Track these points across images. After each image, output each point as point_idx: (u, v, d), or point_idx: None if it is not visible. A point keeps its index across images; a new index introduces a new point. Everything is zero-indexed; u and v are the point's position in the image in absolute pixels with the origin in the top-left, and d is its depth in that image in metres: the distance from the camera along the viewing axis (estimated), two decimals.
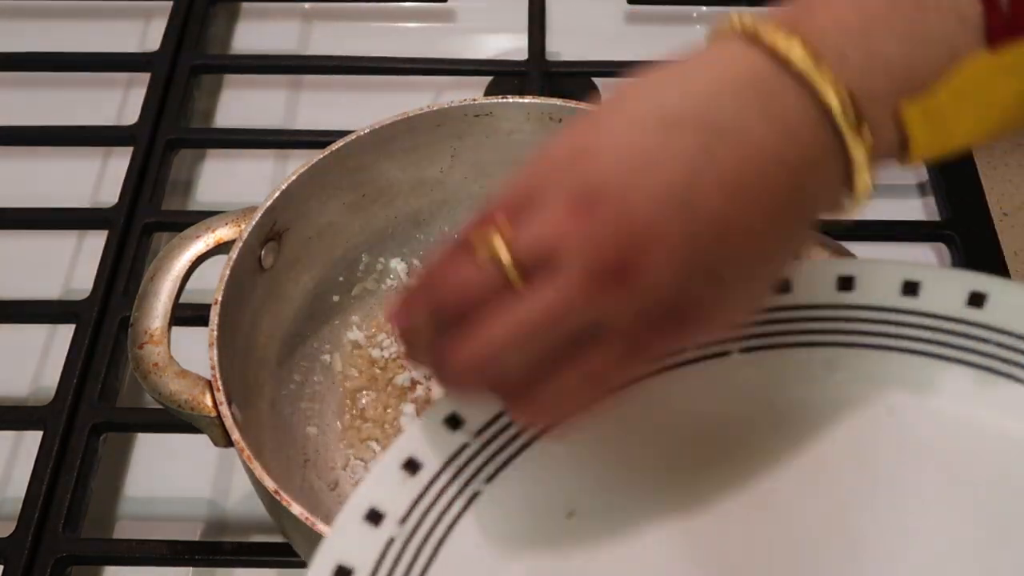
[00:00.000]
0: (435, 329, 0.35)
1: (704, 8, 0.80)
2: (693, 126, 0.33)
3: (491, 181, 0.61)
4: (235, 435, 0.47)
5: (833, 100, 0.34)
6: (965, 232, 0.64)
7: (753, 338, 0.41)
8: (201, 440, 0.50)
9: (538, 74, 0.71)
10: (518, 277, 0.33)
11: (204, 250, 0.52)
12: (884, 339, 0.41)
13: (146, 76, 0.72)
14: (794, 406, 0.40)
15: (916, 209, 0.68)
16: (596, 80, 0.74)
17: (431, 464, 0.37)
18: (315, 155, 0.55)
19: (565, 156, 0.35)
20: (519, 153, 0.59)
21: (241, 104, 0.76)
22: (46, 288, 0.65)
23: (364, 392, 0.57)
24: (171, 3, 0.76)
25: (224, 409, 0.47)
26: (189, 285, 0.52)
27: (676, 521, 0.38)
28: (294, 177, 0.54)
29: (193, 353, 0.50)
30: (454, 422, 0.38)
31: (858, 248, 0.52)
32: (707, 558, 0.38)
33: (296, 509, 0.44)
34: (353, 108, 0.69)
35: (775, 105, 0.34)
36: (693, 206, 0.33)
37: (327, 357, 0.58)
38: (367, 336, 0.59)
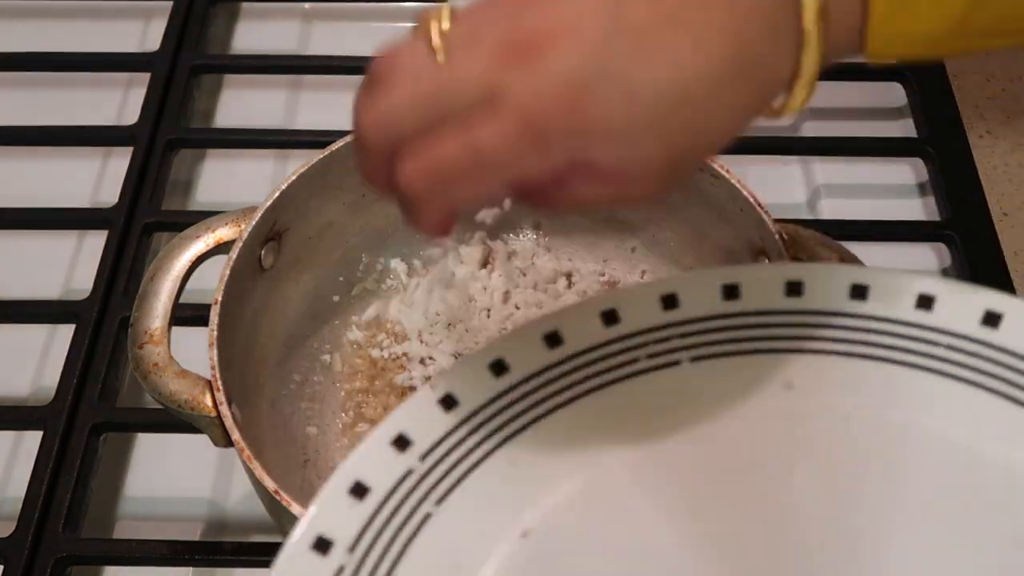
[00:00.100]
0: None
1: None
2: None
3: None
4: (235, 435, 0.47)
5: None
6: (965, 232, 0.64)
7: (703, 347, 0.40)
8: (201, 440, 0.50)
9: None
10: (442, 48, 0.36)
11: (204, 250, 0.52)
12: (834, 344, 0.40)
13: (146, 76, 0.72)
14: (745, 415, 0.40)
15: (916, 209, 0.68)
16: None
17: (379, 488, 0.36)
18: (315, 155, 0.55)
19: None
20: None
21: (241, 104, 0.76)
22: (46, 288, 0.65)
23: (364, 392, 0.57)
24: (171, 3, 0.76)
25: (224, 409, 0.47)
26: (189, 285, 0.52)
27: (628, 537, 0.38)
28: (294, 177, 0.54)
29: (193, 353, 0.50)
30: (402, 443, 0.37)
31: (858, 248, 0.52)
32: (667, 572, 0.37)
33: (296, 509, 0.44)
34: None
35: None
36: (621, 8, 0.33)
37: (327, 357, 0.58)
38: (367, 336, 0.59)
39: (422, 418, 0.38)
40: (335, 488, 0.36)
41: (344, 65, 0.73)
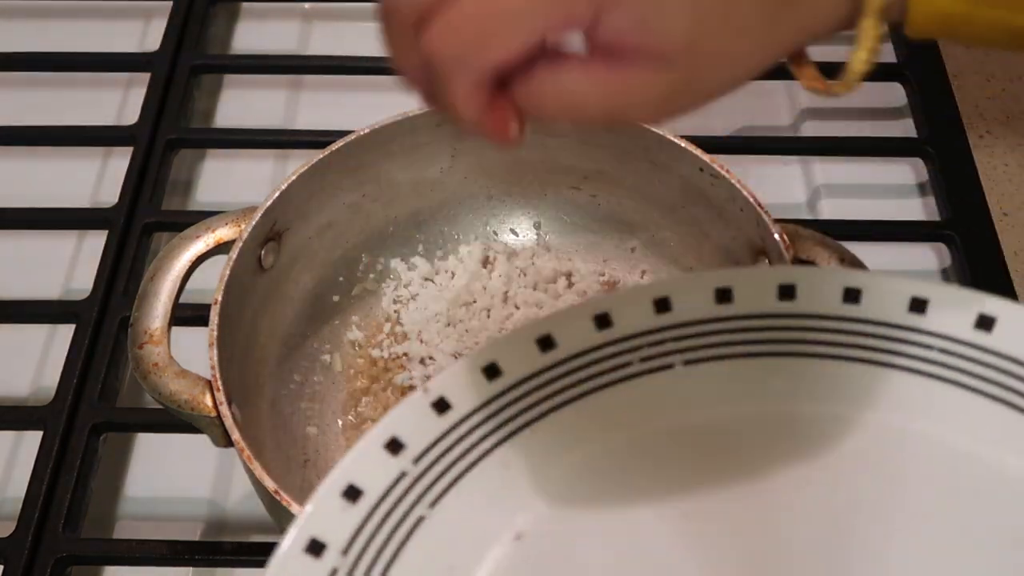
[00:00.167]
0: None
1: None
2: None
3: (491, 181, 0.61)
4: (235, 435, 0.47)
5: None
6: (965, 232, 0.64)
7: (696, 350, 0.40)
8: (201, 440, 0.50)
9: None
10: None
11: (204, 250, 0.52)
12: (826, 347, 0.40)
13: (146, 76, 0.72)
14: (738, 418, 0.40)
15: (916, 209, 0.68)
16: None
17: (372, 490, 0.36)
18: (315, 155, 0.55)
19: None
20: (519, 153, 0.59)
21: (241, 104, 0.76)
22: (46, 288, 0.65)
23: (364, 392, 0.57)
24: (171, 3, 0.76)
25: (224, 409, 0.47)
26: (189, 285, 0.52)
27: (623, 540, 0.38)
28: (294, 177, 0.54)
29: (193, 353, 0.50)
30: (394, 446, 0.37)
31: (858, 248, 0.52)
32: (660, 574, 0.37)
33: (296, 509, 0.44)
34: (353, 108, 0.68)
35: None
36: None
37: (327, 357, 0.58)
38: (367, 336, 0.59)
39: (415, 421, 0.38)
40: (328, 491, 0.36)
41: (344, 65, 0.74)
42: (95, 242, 0.64)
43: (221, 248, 0.52)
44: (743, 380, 0.40)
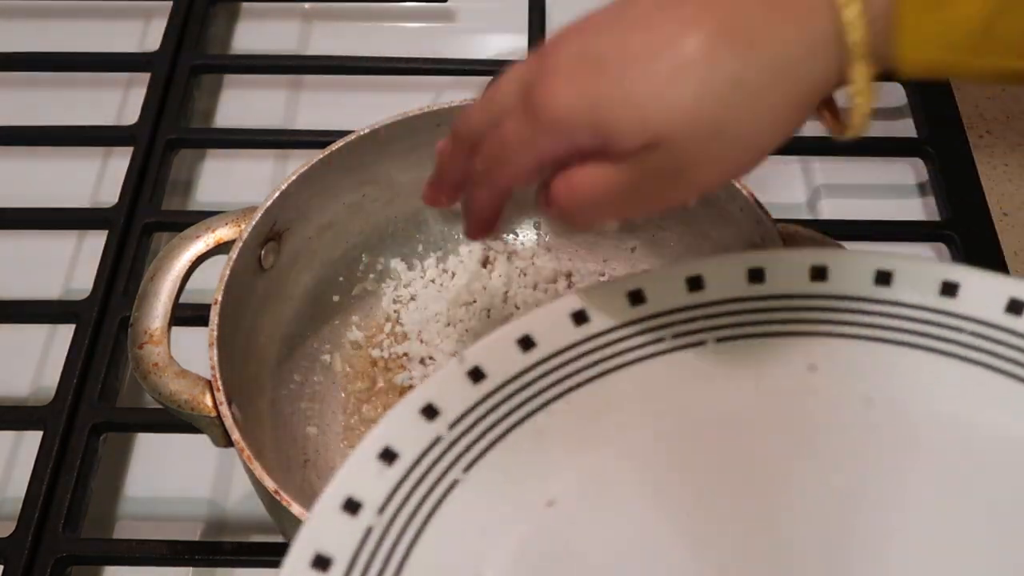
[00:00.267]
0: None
1: None
2: None
3: None
4: (235, 435, 0.47)
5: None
6: (965, 232, 0.64)
7: (728, 328, 0.41)
8: (201, 440, 0.50)
9: None
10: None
11: (204, 250, 0.52)
12: (857, 328, 0.41)
13: (146, 76, 0.72)
14: (770, 395, 0.40)
15: (916, 209, 0.68)
16: None
17: (408, 453, 0.37)
18: (315, 155, 0.55)
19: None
20: None
21: (241, 104, 0.76)
22: (46, 288, 0.65)
23: (364, 392, 0.57)
24: (171, 3, 0.76)
25: (224, 409, 0.47)
26: (189, 285, 0.52)
27: (656, 508, 0.38)
28: (294, 177, 0.54)
29: (193, 353, 0.50)
30: (430, 412, 0.38)
31: (858, 248, 0.52)
32: (689, 545, 0.38)
33: (296, 509, 0.44)
34: (353, 108, 0.69)
35: None
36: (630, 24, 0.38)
37: (327, 357, 0.58)
38: (367, 336, 0.59)
39: (451, 389, 0.39)
40: (365, 452, 0.37)
41: (344, 65, 0.74)
42: (95, 242, 0.64)
43: (221, 248, 0.52)
44: (773, 358, 0.40)
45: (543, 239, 0.62)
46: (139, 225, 0.64)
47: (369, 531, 0.35)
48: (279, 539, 0.51)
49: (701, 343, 0.41)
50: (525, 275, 0.61)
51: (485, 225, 0.44)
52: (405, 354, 0.58)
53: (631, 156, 0.37)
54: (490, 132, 0.41)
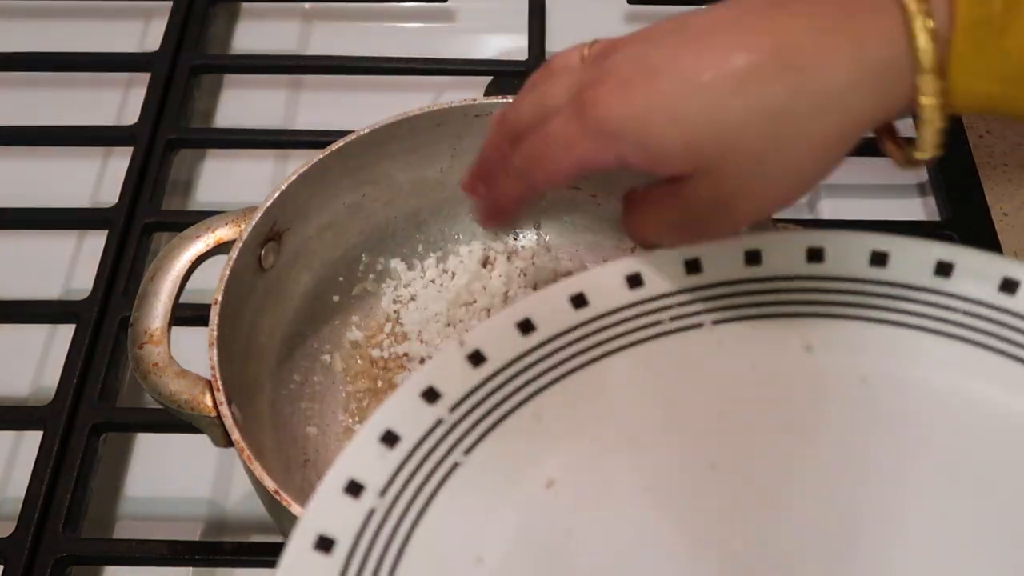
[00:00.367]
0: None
1: (704, 8, 0.80)
2: None
3: None
4: (235, 435, 0.47)
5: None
6: (965, 232, 0.64)
7: (725, 310, 0.41)
8: (201, 440, 0.50)
9: None
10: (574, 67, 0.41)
11: (204, 250, 0.52)
12: (853, 309, 0.41)
13: (146, 76, 0.72)
14: (767, 375, 0.40)
15: (916, 209, 0.68)
16: None
17: (409, 436, 0.37)
18: (315, 155, 0.55)
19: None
20: None
21: (241, 104, 0.76)
22: (46, 288, 0.65)
23: (364, 392, 0.57)
24: (171, 3, 0.76)
25: (224, 409, 0.47)
26: (189, 285, 0.52)
27: (655, 489, 0.39)
28: (294, 177, 0.54)
29: (193, 353, 0.50)
30: (431, 395, 0.38)
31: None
32: (687, 528, 0.38)
33: (296, 509, 0.44)
34: (353, 108, 0.69)
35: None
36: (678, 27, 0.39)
37: (327, 357, 0.58)
38: (367, 336, 0.59)
39: (451, 372, 0.39)
40: (367, 436, 0.37)
41: (344, 65, 0.74)
42: (95, 242, 0.64)
43: (221, 248, 0.52)
44: (770, 338, 0.41)
45: (543, 239, 0.62)
46: (139, 225, 0.64)
47: (371, 513, 0.36)
48: (279, 539, 0.51)
49: (699, 325, 0.41)
50: (525, 275, 0.61)
51: (502, 217, 0.44)
52: (405, 354, 0.58)
53: (674, 181, 0.37)
54: (535, 127, 0.41)
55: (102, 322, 0.60)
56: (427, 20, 0.81)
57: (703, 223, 0.40)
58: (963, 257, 0.41)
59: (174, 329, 0.50)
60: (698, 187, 0.38)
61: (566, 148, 0.39)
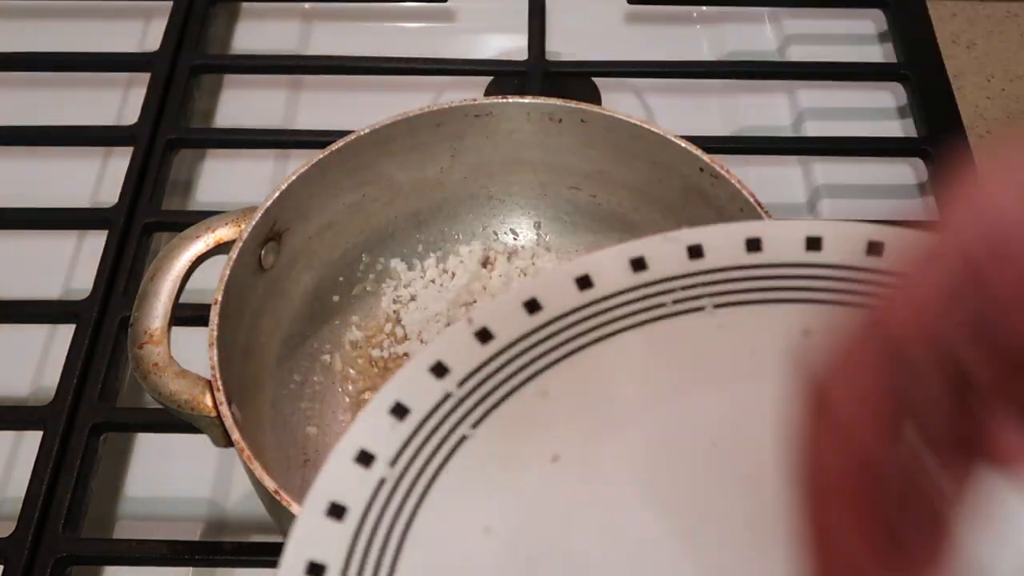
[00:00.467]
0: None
1: (704, 8, 0.80)
2: None
3: (491, 181, 0.61)
4: (235, 435, 0.47)
5: None
6: None
7: (726, 294, 0.42)
8: (201, 440, 0.50)
9: (538, 74, 0.71)
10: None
11: (204, 250, 0.52)
12: (850, 296, 0.42)
13: (146, 76, 0.72)
14: (765, 357, 0.41)
15: (916, 209, 0.68)
16: (596, 80, 0.74)
17: (418, 409, 0.38)
18: (315, 155, 0.55)
19: None
20: (519, 153, 0.59)
21: (241, 104, 0.76)
22: (46, 288, 0.65)
23: (364, 392, 0.57)
24: (171, 3, 0.76)
25: (224, 409, 0.47)
26: (189, 285, 0.52)
27: (656, 465, 0.39)
28: (294, 177, 0.54)
29: (193, 353, 0.50)
30: (440, 370, 0.39)
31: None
32: (688, 501, 0.39)
33: (296, 509, 0.44)
34: (353, 108, 0.69)
35: None
36: None
37: (327, 357, 0.58)
38: (367, 336, 0.59)
39: (460, 348, 0.40)
40: (377, 407, 0.38)
41: (344, 65, 0.74)
42: (95, 242, 0.64)
43: (221, 248, 0.52)
44: (770, 323, 0.42)
45: (543, 239, 0.62)
46: (139, 225, 0.64)
47: (382, 482, 0.36)
48: (279, 539, 0.51)
49: (700, 308, 0.42)
50: (525, 275, 0.61)
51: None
52: (405, 354, 0.58)
53: None
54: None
55: (102, 322, 0.60)
56: (427, 20, 0.81)
57: None
58: None
59: (174, 329, 0.50)
60: None
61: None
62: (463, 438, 0.38)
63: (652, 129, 0.56)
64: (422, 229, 0.61)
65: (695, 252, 0.43)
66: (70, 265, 0.66)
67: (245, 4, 0.81)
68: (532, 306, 0.41)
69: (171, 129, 0.69)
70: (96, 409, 0.57)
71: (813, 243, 0.43)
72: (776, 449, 0.40)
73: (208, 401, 0.48)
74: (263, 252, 0.54)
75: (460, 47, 0.78)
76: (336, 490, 0.36)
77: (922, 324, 0.24)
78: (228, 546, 0.55)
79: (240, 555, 0.54)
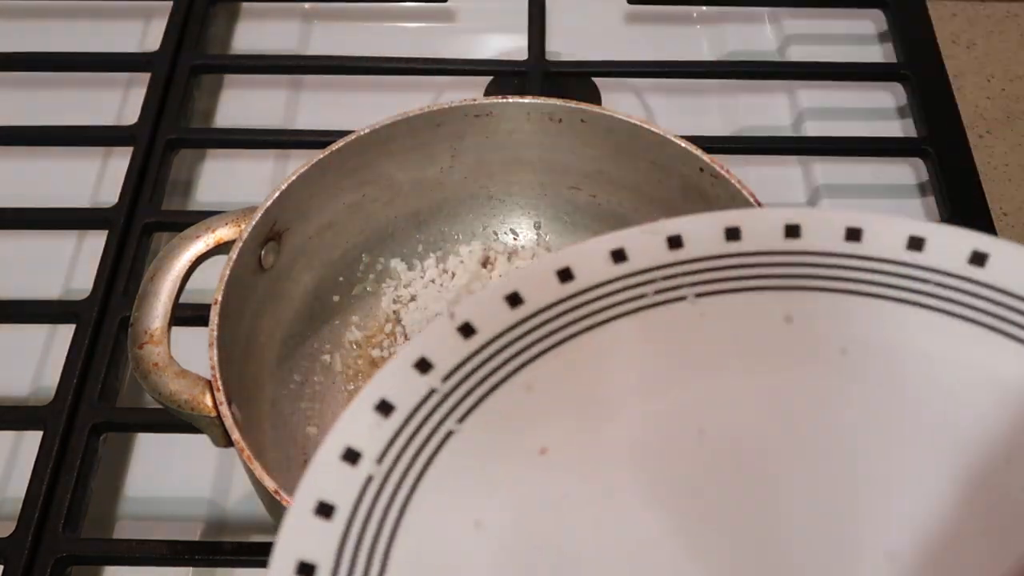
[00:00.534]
0: None
1: (704, 8, 0.80)
2: None
3: (491, 181, 0.61)
4: (235, 435, 0.47)
5: None
6: None
7: (707, 283, 0.42)
8: (201, 440, 0.50)
9: (538, 74, 0.71)
10: None
11: (204, 250, 0.52)
12: (830, 282, 0.42)
13: (146, 76, 0.72)
14: (747, 345, 0.42)
15: (916, 210, 0.68)
16: (596, 80, 0.74)
17: (403, 405, 0.38)
18: (315, 155, 0.55)
19: None
20: (519, 153, 0.59)
21: (241, 104, 0.76)
22: (46, 288, 0.65)
23: None
24: (171, 3, 0.76)
25: (224, 409, 0.47)
26: (189, 285, 0.52)
27: (643, 455, 0.39)
28: (294, 177, 0.54)
29: (193, 353, 0.50)
30: (424, 366, 0.39)
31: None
32: (676, 490, 0.39)
33: None
34: (353, 108, 0.69)
35: None
36: None
37: (327, 357, 0.58)
38: (367, 336, 0.59)
39: (443, 343, 0.39)
40: (361, 405, 0.38)
41: (344, 65, 0.74)
42: (95, 242, 0.64)
43: (221, 248, 0.52)
44: (752, 311, 0.42)
45: (543, 239, 0.62)
46: (139, 225, 0.64)
47: (369, 480, 0.36)
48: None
49: (682, 298, 0.42)
50: None
51: None
52: None
53: None
54: None
55: (102, 322, 0.60)
56: (427, 20, 0.81)
57: None
58: (934, 232, 0.42)
59: (174, 329, 0.50)
60: None
61: None
62: (450, 433, 0.38)
63: (652, 129, 0.56)
64: (422, 229, 0.61)
65: (675, 242, 0.43)
66: (70, 265, 0.66)
67: (245, 4, 0.81)
68: (514, 300, 0.41)
69: (171, 129, 0.69)
70: (96, 409, 0.57)
71: (792, 231, 0.43)
72: (763, 435, 0.40)
73: (208, 401, 0.48)
74: (263, 252, 0.54)
75: (460, 47, 0.78)
76: (324, 488, 0.36)
77: None
78: (228, 546, 0.54)
79: (240, 555, 0.54)
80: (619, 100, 0.74)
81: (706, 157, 0.55)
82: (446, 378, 0.39)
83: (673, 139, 0.55)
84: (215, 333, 0.49)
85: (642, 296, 0.42)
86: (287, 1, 0.81)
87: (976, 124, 0.73)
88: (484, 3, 0.80)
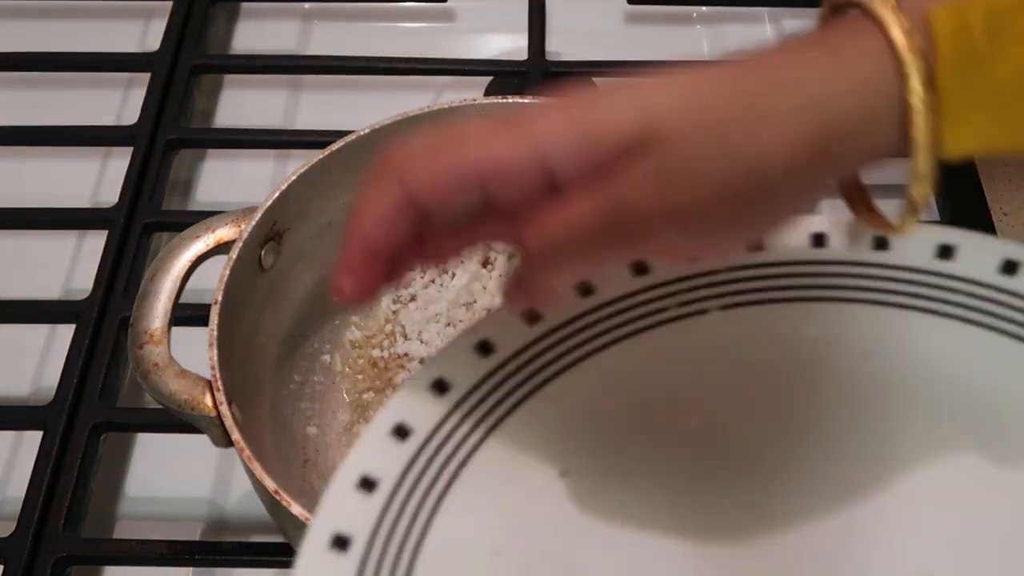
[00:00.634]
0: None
1: (704, 8, 0.80)
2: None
3: None
4: (235, 435, 0.47)
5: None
6: None
7: (730, 295, 0.42)
8: (201, 440, 0.50)
9: (538, 74, 0.71)
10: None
11: (204, 250, 0.52)
12: (855, 292, 0.42)
13: (146, 76, 0.72)
14: (770, 357, 0.41)
15: None
16: (596, 80, 0.74)
17: (421, 429, 0.37)
18: (315, 155, 0.55)
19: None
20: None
21: (241, 104, 0.76)
22: (46, 288, 0.65)
23: (364, 392, 0.57)
24: (171, 3, 0.76)
25: (224, 409, 0.47)
26: (189, 285, 0.52)
27: (667, 476, 0.39)
28: (294, 177, 0.54)
29: (193, 353, 0.50)
30: (441, 387, 0.38)
31: None
32: (699, 511, 0.39)
33: (296, 509, 0.44)
34: (353, 108, 0.68)
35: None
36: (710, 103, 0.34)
37: (327, 357, 0.58)
38: (367, 336, 0.59)
39: (460, 363, 0.39)
40: (377, 430, 0.37)
41: (344, 65, 0.74)
42: (95, 242, 0.64)
43: (221, 248, 0.52)
44: (774, 322, 0.41)
45: None
46: (139, 225, 0.64)
47: (386, 508, 0.36)
48: (279, 539, 0.51)
49: (704, 311, 0.41)
50: None
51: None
52: (405, 354, 0.58)
53: (621, 159, 0.33)
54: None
55: (102, 322, 0.60)
56: (427, 20, 0.81)
57: (630, 225, 0.34)
58: (965, 240, 0.42)
59: (174, 329, 0.50)
60: (638, 166, 0.33)
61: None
62: (468, 457, 0.37)
63: None
64: None
65: None
66: (70, 265, 0.66)
67: (245, 4, 0.81)
68: (532, 317, 0.40)
69: (171, 129, 0.69)
70: (96, 409, 0.57)
71: (817, 240, 0.42)
72: (788, 451, 0.39)
73: (208, 401, 0.48)
74: (263, 252, 0.54)
75: (460, 47, 0.78)
76: (339, 520, 0.35)
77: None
78: (228, 546, 0.55)
79: (240, 555, 0.54)
80: None
81: None
82: (463, 399, 0.38)
83: None
84: (215, 333, 0.49)
85: (664, 310, 0.41)
86: (287, 1, 0.81)
87: None
88: (484, 3, 0.80)
